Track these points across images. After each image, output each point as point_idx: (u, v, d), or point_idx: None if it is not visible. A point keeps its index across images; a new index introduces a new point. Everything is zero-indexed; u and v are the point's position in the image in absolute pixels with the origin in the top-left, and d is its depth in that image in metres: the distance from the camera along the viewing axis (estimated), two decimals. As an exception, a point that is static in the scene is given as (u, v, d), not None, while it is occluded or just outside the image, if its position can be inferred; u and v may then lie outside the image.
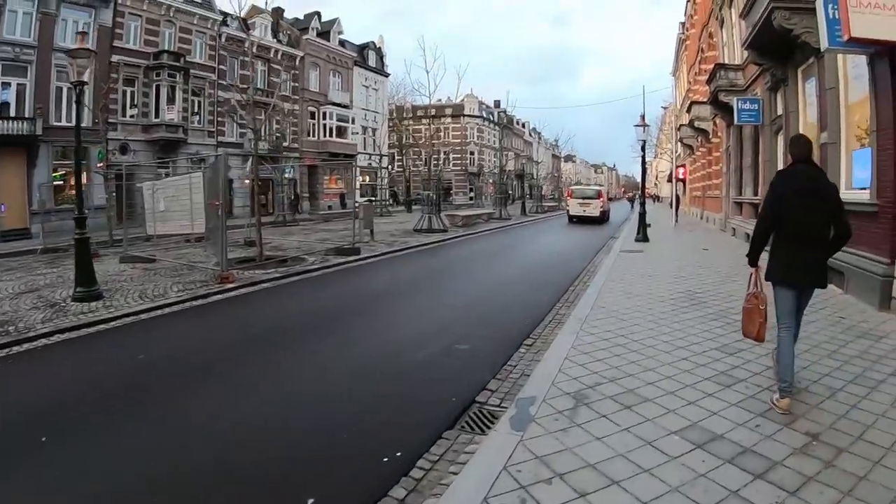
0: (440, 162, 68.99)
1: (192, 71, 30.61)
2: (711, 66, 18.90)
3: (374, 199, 46.10)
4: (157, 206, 14.31)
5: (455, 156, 72.44)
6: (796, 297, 4.13)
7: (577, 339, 6.06)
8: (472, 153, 72.83)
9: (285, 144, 38.73)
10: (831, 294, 7.80)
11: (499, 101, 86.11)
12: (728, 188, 20.26)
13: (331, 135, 42.77)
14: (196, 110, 31.86)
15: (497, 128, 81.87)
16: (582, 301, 8.46)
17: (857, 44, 6.49)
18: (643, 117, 16.51)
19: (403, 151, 68.03)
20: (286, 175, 39.60)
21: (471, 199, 64.94)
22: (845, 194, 6.82)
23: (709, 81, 18.67)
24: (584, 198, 30.10)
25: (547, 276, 11.46)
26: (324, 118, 42.73)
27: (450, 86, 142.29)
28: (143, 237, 16.11)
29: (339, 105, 43.90)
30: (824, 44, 6.90)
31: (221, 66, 33.40)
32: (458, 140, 73.47)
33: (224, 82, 32.40)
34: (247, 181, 32.17)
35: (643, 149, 16.57)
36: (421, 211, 20.56)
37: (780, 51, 11.14)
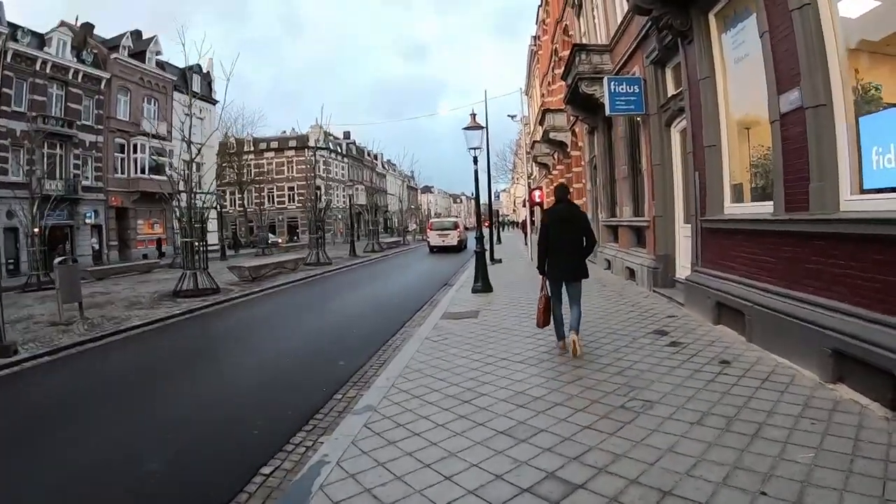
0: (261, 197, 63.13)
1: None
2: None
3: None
4: None
5: (301, 191, 66.00)
6: (560, 286, 6.36)
7: None
8: (318, 188, 66.62)
9: (86, 183, 31.08)
10: None
11: (349, 132, 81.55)
12: (596, 209, 16.24)
13: (143, 171, 35.20)
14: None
15: (346, 160, 76.92)
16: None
17: None
18: (474, 116, 11.77)
19: (244, 188, 61.17)
20: (87, 221, 31.88)
21: (292, 239, 58.97)
22: (855, 203, 4.51)
23: (565, 75, 14.59)
24: (442, 229, 33.79)
25: (275, 396, 6.08)
26: (135, 151, 35.34)
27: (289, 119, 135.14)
28: None
29: (154, 136, 36.36)
30: None
31: (6, 90, 26.63)
32: (303, 175, 67.14)
33: (8, 109, 26.65)
34: (36, 230, 24.98)
35: (476, 160, 11.82)
36: (185, 267, 14.26)
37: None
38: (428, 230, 36.88)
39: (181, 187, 15.69)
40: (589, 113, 14.58)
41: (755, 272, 6.07)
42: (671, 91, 9.46)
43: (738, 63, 6.87)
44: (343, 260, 27.65)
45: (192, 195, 15.15)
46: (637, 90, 10.09)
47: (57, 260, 11.64)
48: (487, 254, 20.08)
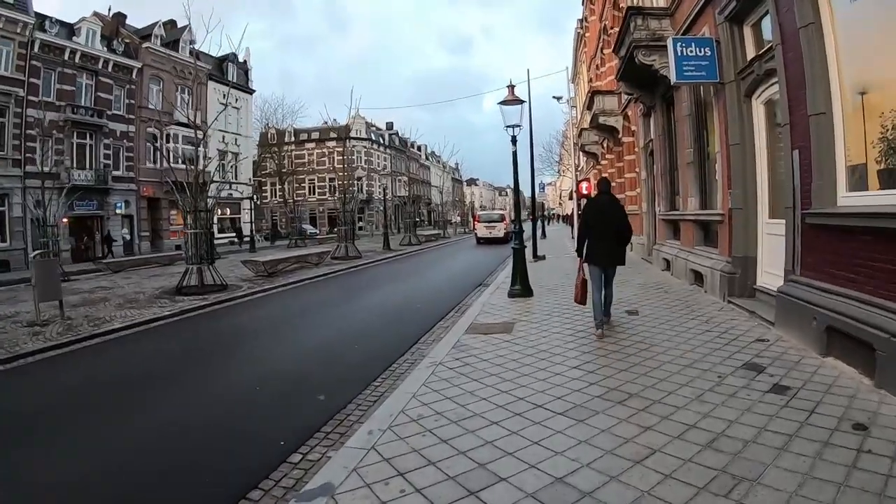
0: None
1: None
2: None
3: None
4: None
5: (348, 183, 65.16)
6: (601, 272, 6.77)
7: None
8: (359, 179, 65.79)
9: (116, 174, 30.84)
10: None
11: (391, 123, 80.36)
12: (653, 200, 14.32)
13: (176, 161, 34.70)
14: (-6, 133, 24.61)
15: (389, 151, 75.79)
16: None
17: None
18: (512, 88, 9.97)
19: (284, 180, 60.68)
20: (118, 211, 31.69)
21: (332, 231, 58.09)
22: None
23: (617, 47, 12.74)
24: (489, 221, 35.10)
25: (203, 457, 4.38)
26: (168, 141, 34.71)
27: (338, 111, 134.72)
28: None
29: (187, 126, 35.77)
30: None
31: (33, 80, 26.40)
32: (347, 166, 66.31)
33: (36, 99, 25.99)
34: (64, 219, 24.84)
35: (514, 140, 10.05)
36: (189, 261, 12.96)
37: None
38: (475, 222, 38.37)
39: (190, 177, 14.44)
40: (645, 90, 12.70)
41: (893, 289, 4.28)
42: (752, 53, 7.60)
43: (855, 1, 5.07)
44: (374, 254, 26.23)
45: (199, 182, 13.89)
46: (709, 53, 8.21)
47: (33, 254, 10.62)
48: (530, 250, 18.46)
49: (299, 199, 61.31)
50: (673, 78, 8.39)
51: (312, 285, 15.21)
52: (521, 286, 10.13)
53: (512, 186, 11.21)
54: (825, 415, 3.81)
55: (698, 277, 9.57)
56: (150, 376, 6.68)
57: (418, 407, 4.53)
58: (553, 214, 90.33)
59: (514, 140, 10.19)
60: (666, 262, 12.13)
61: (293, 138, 64.90)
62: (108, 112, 30.25)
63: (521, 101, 10.17)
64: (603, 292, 6.79)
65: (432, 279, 16.03)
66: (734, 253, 7.89)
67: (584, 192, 30.07)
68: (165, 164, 27.86)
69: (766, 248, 7.41)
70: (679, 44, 8.27)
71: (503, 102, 10.06)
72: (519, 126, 10.04)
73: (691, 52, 8.20)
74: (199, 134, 15.14)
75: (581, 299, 7.06)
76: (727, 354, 5.44)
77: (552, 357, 5.80)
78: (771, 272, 7.20)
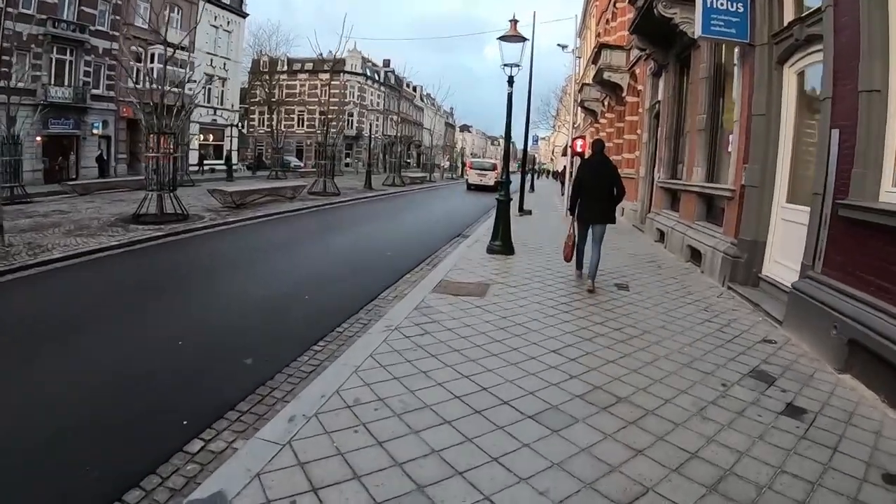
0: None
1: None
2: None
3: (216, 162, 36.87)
4: None
5: (332, 117, 63.08)
6: (587, 227, 7.26)
7: None
8: (350, 115, 63.79)
9: (96, 92, 28.93)
10: None
11: (388, 61, 77.54)
12: (653, 166, 13.44)
13: (161, 83, 32.69)
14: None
15: (383, 89, 73.29)
16: None
17: None
18: (515, 23, 8.81)
19: (273, 109, 58.32)
20: (95, 131, 29.90)
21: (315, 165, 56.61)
22: None
23: (634, -4, 11.58)
24: (481, 169, 34.96)
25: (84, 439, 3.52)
26: (152, 61, 32.52)
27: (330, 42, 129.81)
28: None
29: (174, 46, 33.59)
30: None
31: None
32: (336, 99, 64.09)
33: (14, 11, 23.14)
34: (38, 138, 24.01)
35: (510, 81, 9.00)
36: (149, 186, 11.90)
37: None
38: (468, 169, 38.42)
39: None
40: (659, 46, 11.64)
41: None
42: (791, 15, 6.62)
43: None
44: (354, 192, 25.18)
45: (164, 98, 12.70)
46: (741, 9, 7.20)
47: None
48: (516, 204, 17.57)
49: (288, 130, 59.20)
50: (698, 31, 7.37)
51: (281, 221, 14.26)
52: (502, 242, 9.36)
53: (504, 135, 10.22)
54: (850, 456, 3.11)
55: (696, 255, 8.83)
56: (57, 323, 5.66)
57: (358, 387, 3.75)
58: (544, 169, 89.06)
59: (510, 80, 9.17)
60: (660, 233, 11.37)
61: (286, 67, 62.10)
62: (91, 28, 28.10)
63: (524, 39, 9.10)
64: (590, 249, 7.14)
65: (409, 224, 15.15)
66: (741, 235, 7.09)
67: (579, 149, 29.15)
68: (132, 83, 26.13)
69: (779, 234, 6.63)
70: (709, -8, 7.22)
71: (503, 38, 8.97)
72: (518, 66, 9.01)
73: (722, 5, 7.18)
74: (170, 51, 13.85)
75: (570, 256, 7.52)
76: (731, 355, 4.71)
77: (528, 334, 5.04)
78: (781, 262, 6.46)
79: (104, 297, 7.01)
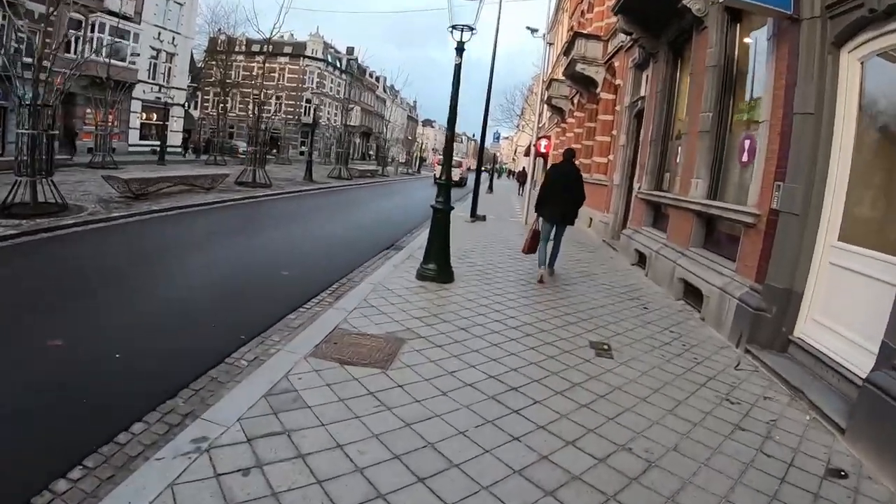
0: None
1: None
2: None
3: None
4: None
5: (289, 102, 60.07)
6: (551, 227, 7.73)
7: None
8: (308, 101, 60.80)
9: (28, 60, 25.45)
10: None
11: (352, 48, 74.40)
12: (631, 173, 11.48)
13: (100, 53, 29.30)
14: None
15: (345, 77, 70.16)
16: None
17: None
18: None
19: (227, 92, 54.72)
20: (24, 102, 26.30)
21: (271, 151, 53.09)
22: None
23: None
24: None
25: None
26: (92, 30, 29.62)
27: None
28: None
29: (118, 16, 30.29)
30: None
31: None
32: (295, 84, 61.00)
33: None
34: None
35: (459, 50, 6.55)
36: (18, 170, 9.34)
37: None
38: (435, 164, 41.05)
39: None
40: (650, 30, 9.67)
41: None
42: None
43: None
44: (289, 184, 22.34)
45: (39, 70, 10.16)
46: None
47: None
48: (468, 209, 15.41)
49: (243, 114, 55.74)
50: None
51: (177, 218, 11.52)
52: (437, 266, 6.99)
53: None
54: None
55: (691, 292, 6.84)
56: None
57: None
58: (505, 168, 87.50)
59: (460, 49, 6.78)
60: (639, 255, 9.42)
61: (244, 48, 58.51)
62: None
63: (471, 30, 6.69)
64: (551, 246, 7.82)
65: (333, 228, 12.62)
66: (769, 280, 5.07)
67: (543, 150, 27.31)
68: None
69: (824, 283, 4.66)
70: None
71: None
72: (472, 29, 6.59)
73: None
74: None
75: (529, 250, 7.89)
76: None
77: (444, 473, 2.81)
78: (823, 323, 4.52)
79: None
